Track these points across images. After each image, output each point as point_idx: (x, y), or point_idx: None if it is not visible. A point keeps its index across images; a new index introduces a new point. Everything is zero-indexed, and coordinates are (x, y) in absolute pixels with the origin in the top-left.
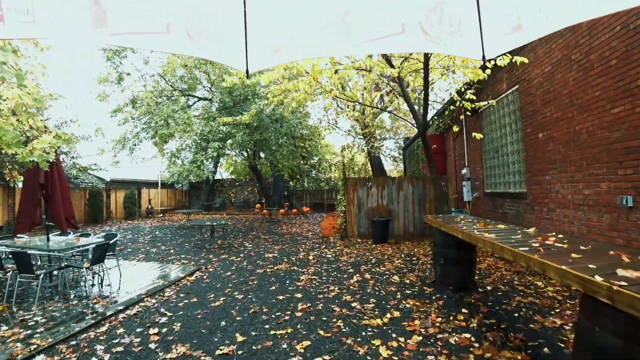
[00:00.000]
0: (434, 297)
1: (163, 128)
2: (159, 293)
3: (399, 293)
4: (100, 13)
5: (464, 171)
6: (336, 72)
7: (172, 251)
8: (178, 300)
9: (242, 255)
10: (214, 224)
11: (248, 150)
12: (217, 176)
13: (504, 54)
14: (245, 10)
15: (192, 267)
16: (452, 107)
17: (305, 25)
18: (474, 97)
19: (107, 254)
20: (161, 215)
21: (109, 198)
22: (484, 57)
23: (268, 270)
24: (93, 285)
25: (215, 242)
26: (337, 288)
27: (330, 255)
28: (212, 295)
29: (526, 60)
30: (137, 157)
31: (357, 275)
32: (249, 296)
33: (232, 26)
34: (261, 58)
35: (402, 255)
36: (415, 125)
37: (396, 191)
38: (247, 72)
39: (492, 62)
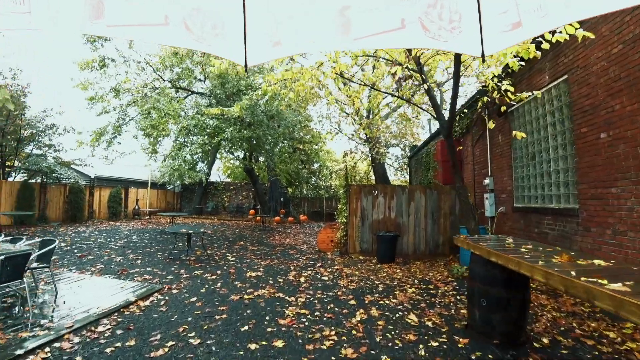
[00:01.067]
0: (473, 357)
1: (145, 119)
2: (90, 326)
3: (421, 346)
4: (97, 4)
5: (486, 181)
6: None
7: (138, 262)
8: (109, 342)
9: (220, 271)
10: (191, 231)
11: (244, 148)
12: (216, 179)
13: (568, 24)
14: (244, 3)
15: (152, 286)
16: (485, 98)
17: (305, 19)
18: (512, 89)
19: (40, 266)
20: (148, 217)
21: (92, 196)
22: (483, 54)
23: (246, 297)
24: (12, 309)
25: (194, 252)
26: (333, 332)
27: (326, 278)
28: (159, 337)
29: (592, 36)
30: (114, 152)
31: (361, 310)
32: (209, 342)
33: (231, 19)
34: (260, 51)
35: (416, 281)
36: (437, 119)
37: (406, 202)
38: (245, 65)
39: (551, 37)
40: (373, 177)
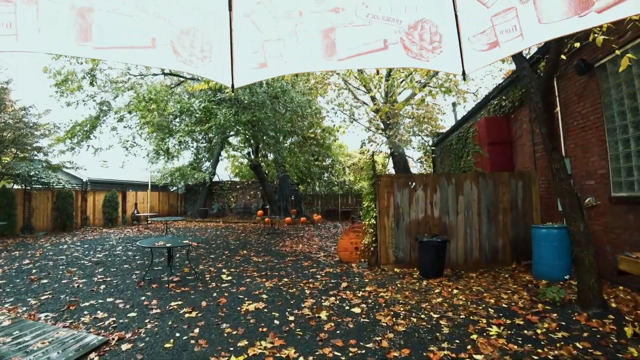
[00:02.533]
0: None
1: (124, 109)
2: None
3: None
4: (85, 27)
5: None
6: None
7: (102, 287)
8: None
9: (206, 302)
10: (170, 245)
11: (242, 135)
12: (226, 179)
13: None
14: (231, 26)
15: (98, 335)
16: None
17: (291, 41)
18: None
19: None
20: (149, 222)
21: (85, 201)
22: (464, 72)
23: (233, 359)
24: None
25: (182, 269)
26: None
27: (358, 309)
28: None
29: None
30: (90, 147)
31: None
32: None
33: (218, 41)
34: (247, 73)
35: (491, 311)
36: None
37: (453, 196)
38: (232, 86)
39: None
40: (392, 171)
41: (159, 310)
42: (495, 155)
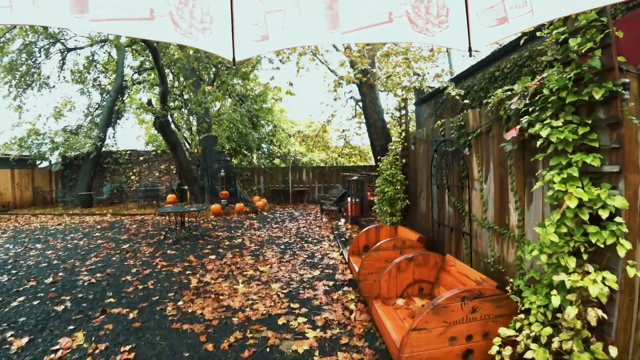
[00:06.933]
0: None
1: None
2: None
3: None
4: None
5: None
6: None
7: None
8: None
9: None
10: None
11: None
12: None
13: None
14: None
15: None
16: None
17: (294, 12)
18: None
19: None
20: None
21: None
22: (470, 48)
23: None
24: None
25: None
26: None
27: None
28: None
29: None
30: None
31: None
32: None
33: (219, 13)
34: (248, 45)
35: None
36: None
37: None
38: (233, 60)
39: None
40: (363, 140)
41: None
42: None
